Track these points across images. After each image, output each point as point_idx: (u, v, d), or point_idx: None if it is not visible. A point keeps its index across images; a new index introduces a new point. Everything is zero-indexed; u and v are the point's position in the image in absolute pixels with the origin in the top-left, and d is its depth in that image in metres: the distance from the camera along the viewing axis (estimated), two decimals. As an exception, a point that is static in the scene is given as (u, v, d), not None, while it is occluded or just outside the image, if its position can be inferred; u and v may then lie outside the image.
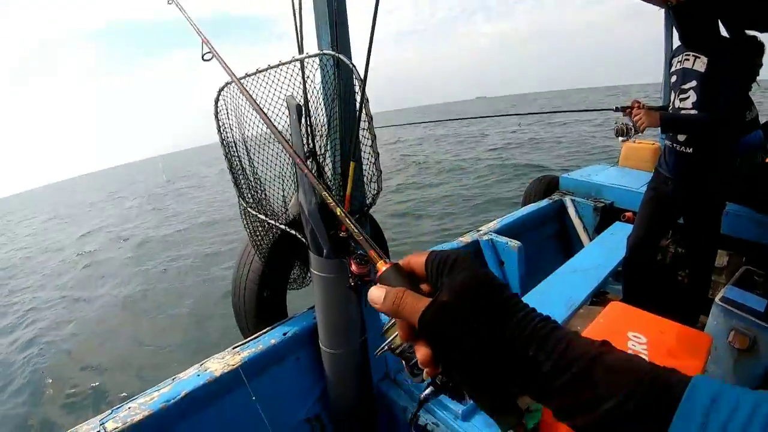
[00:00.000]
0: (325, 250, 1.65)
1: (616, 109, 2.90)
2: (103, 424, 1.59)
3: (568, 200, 4.00)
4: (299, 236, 1.75)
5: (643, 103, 2.64)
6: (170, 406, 1.69)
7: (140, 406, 1.67)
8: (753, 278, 2.79)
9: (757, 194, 3.22)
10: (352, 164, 1.53)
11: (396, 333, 0.55)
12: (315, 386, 2.17)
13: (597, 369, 0.43)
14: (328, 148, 1.66)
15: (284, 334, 1.99)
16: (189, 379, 1.80)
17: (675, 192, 2.62)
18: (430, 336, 0.49)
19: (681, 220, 2.82)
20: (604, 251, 3.13)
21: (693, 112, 2.37)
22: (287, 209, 1.83)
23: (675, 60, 2.49)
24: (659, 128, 2.43)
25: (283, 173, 1.78)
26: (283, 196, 1.83)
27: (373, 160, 1.58)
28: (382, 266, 0.56)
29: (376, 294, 0.53)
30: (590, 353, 0.44)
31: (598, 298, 3.55)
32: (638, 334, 1.99)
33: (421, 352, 0.51)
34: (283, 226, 1.79)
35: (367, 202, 1.67)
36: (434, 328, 0.48)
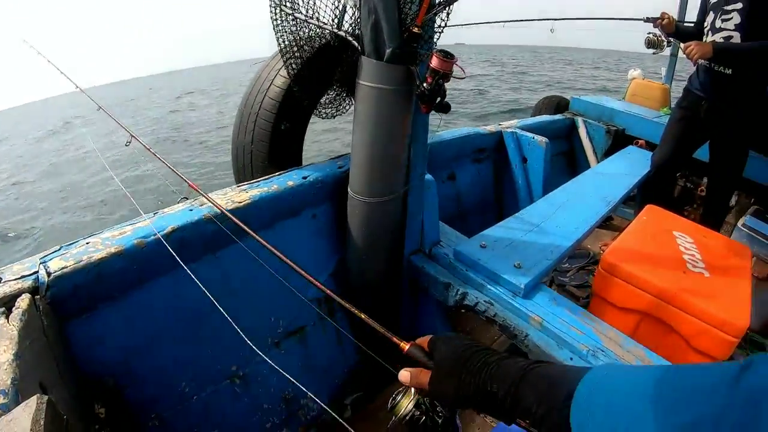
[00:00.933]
0: (388, 51, 1.26)
1: (646, 20, 2.82)
2: (44, 263, 1.11)
3: (580, 120, 3.74)
4: (350, 38, 1.35)
5: (671, 16, 2.61)
6: (150, 243, 1.23)
7: (104, 242, 1.19)
8: (765, 217, 2.71)
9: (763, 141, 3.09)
10: None
11: (407, 401, 0.73)
12: (331, 257, 1.80)
13: (524, 384, 0.56)
14: None
15: (304, 178, 1.61)
16: (178, 213, 1.35)
17: (707, 112, 2.51)
18: (434, 397, 0.71)
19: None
20: (624, 167, 2.90)
21: (735, 33, 2.27)
22: (343, 6, 1.40)
23: None
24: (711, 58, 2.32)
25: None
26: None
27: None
28: (405, 345, 0.76)
29: (405, 375, 0.72)
30: (519, 373, 0.58)
31: (605, 222, 3.36)
32: (684, 235, 1.89)
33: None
34: (329, 27, 1.39)
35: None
36: (433, 393, 0.69)
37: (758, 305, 2.38)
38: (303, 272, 0.94)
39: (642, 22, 2.85)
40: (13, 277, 1.06)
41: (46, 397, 0.71)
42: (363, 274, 1.70)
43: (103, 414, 1.15)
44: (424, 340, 0.75)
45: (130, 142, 1.61)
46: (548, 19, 3.13)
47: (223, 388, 1.44)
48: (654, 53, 2.98)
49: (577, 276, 2.64)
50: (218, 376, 1.44)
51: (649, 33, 2.87)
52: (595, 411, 0.45)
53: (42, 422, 0.67)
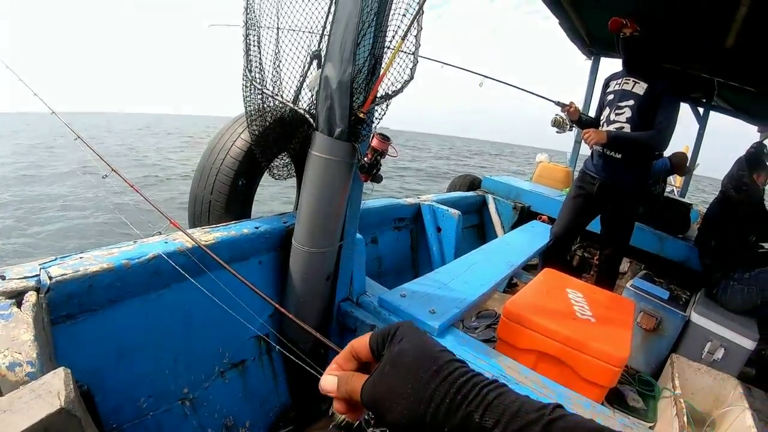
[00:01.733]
0: (338, 130, 1.59)
1: (557, 103, 3.26)
2: (45, 268, 1.26)
3: (489, 197, 4.26)
4: (307, 115, 1.67)
5: (577, 106, 3.11)
6: (135, 266, 1.42)
7: (96, 258, 1.37)
8: (653, 279, 3.21)
9: (652, 216, 3.72)
10: (399, 43, 1.50)
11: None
12: (272, 299, 2.03)
13: None
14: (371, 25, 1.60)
15: (256, 228, 1.86)
16: (156, 243, 1.56)
17: (599, 190, 2.99)
18: (369, 407, 0.49)
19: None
20: (527, 238, 3.38)
21: (626, 125, 2.81)
22: (300, 88, 1.73)
23: (613, 82, 2.95)
24: (605, 144, 2.80)
25: (310, 45, 1.69)
26: (304, 74, 1.73)
27: (413, 49, 1.55)
28: None
29: (330, 382, 0.53)
30: (537, 418, 0.39)
31: (511, 288, 3.79)
32: (575, 291, 2.23)
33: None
34: (290, 105, 1.71)
35: (394, 88, 1.63)
36: (370, 402, 0.48)
37: (647, 353, 2.85)
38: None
39: (554, 104, 3.28)
40: (17, 277, 1.20)
41: (69, 369, 0.89)
42: (299, 315, 1.93)
43: (83, 417, 1.28)
44: (363, 339, 0.57)
45: (107, 176, 1.79)
46: (479, 74, 3.61)
47: (175, 408, 1.57)
48: (557, 132, 3.41)
49: (484, 332, 2.99)
50: (172, 396, 1.57)
51: (557, 114, 3.27)
52: None
53: (72, 386, 0.85)
